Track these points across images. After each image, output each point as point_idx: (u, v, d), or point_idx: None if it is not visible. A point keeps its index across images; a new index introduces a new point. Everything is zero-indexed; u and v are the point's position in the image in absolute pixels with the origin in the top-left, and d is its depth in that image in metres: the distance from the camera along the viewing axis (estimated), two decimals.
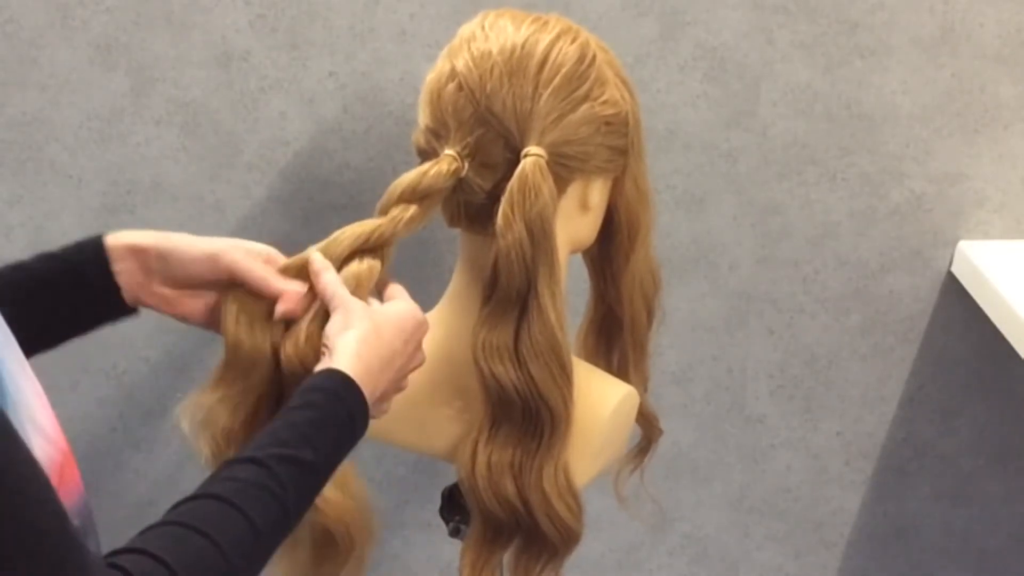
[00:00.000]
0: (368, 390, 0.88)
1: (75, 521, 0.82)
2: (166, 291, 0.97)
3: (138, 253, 0.96)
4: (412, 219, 0.98)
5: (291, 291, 0.95)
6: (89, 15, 1.33)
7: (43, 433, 0.79)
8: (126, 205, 1.42)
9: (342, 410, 0.86)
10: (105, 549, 0.81)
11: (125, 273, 0.96)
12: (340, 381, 0.87)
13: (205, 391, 0.95)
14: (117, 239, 0.96)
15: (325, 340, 0.91)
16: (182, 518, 0.77)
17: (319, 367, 0.89)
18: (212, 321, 0.98)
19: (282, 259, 0.99)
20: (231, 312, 0.95)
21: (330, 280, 0.94)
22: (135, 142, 1.39)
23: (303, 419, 0.84)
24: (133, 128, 1.38)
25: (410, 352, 0.95)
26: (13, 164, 1.40)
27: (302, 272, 0.97)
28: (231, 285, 0.96)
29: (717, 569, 1.61)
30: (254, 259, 0.96)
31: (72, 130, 1.38)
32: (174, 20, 1.33)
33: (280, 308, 0.95)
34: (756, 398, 1.51)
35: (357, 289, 0.95)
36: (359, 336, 0.90)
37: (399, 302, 0.96)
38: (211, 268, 0.96)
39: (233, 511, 0.77)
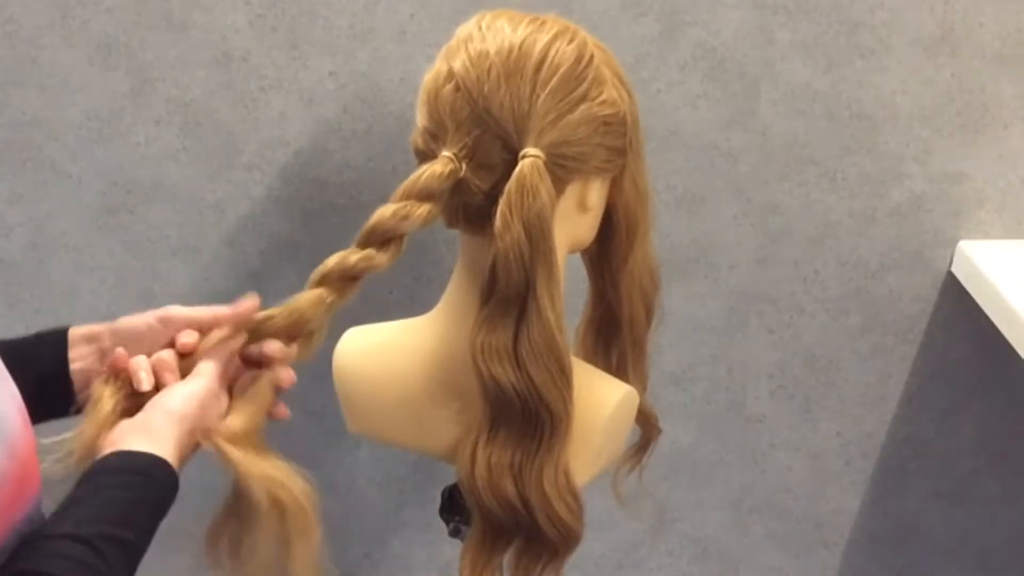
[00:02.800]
0: (175, 461, 0.90)
1: (26, 528, 0.83)
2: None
3: (93, 338, 1.01)
4: (419, 216, 0.98)
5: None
6: (89, 15, 1.33)
7: (8, 445, 0.80)
8: (126, 205, 1.42)
9: (157, 492, 0.88)
10: None
11: (78, 359, 1.00)
12: (156, 465, 0.88)
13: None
14: (75, 330, 1.01)
15: (151, 416, 0.92)
16: None
17: (134, 444, 0.89)
18: None
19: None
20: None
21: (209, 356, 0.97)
22: (135, 142, 1.39)
23: (122, 499, 0.85)
24: (133, 128, 1.38)
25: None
26: (13, 164, 1.40)
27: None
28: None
29: (717, 569, 1.61)
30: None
31: (72, 130, 1.39)
32: (174, 20, 1.33)
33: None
34: (756, 398, 1.51)
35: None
36: (181, 415, 0.92)
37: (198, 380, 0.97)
38: (158, 322, 1.00)
39: None
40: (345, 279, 0.99)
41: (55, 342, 1.01)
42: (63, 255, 1.45)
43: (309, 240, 1.43)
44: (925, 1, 1.31)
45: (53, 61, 1.35)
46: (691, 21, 1.32)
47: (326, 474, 1.56)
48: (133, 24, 1.33)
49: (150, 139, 1.39)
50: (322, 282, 0.99)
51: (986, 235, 1.41)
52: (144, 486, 0.87)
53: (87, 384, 0.99)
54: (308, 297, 0.99)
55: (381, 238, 0.99)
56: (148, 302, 1.46)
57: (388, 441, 1.13)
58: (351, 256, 0.98)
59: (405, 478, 1.56)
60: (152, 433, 0.90)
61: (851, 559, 1.60)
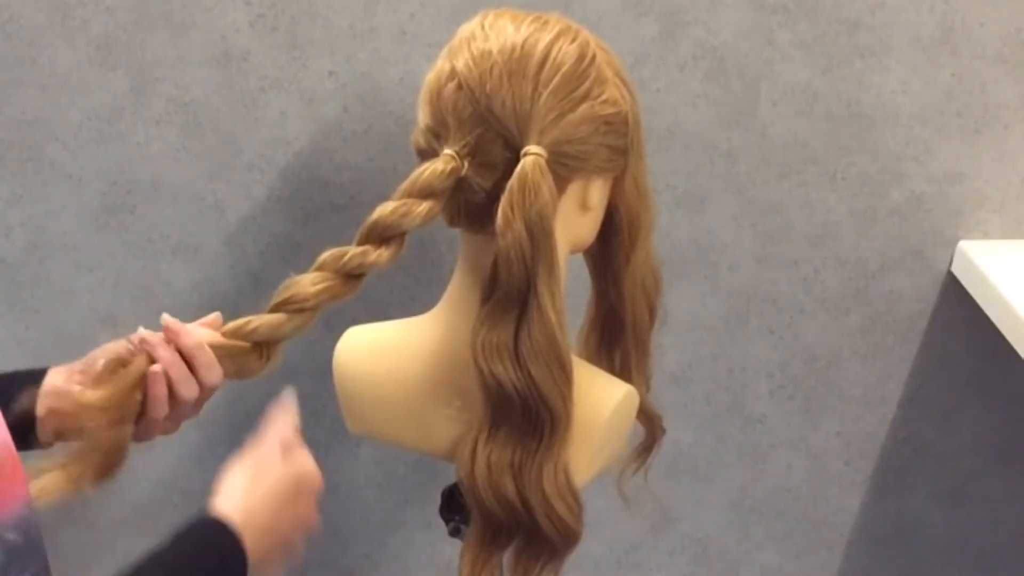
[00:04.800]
0: (251, 542, 0.89)
1: (10, 535, 0.82)
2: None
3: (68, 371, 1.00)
4: (420, 213, 0.98)
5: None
6: (89, 15, 1.33)
7: None
8: (126, 205, 1.42)
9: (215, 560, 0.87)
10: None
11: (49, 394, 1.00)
12: (220, 532, 0.88)
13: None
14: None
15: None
16: None
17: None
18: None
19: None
20: None
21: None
22: (135, 142, 1.39)
23: (177, 564, 0.85)
24: (133, 128, 1.38)
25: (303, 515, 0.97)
26: (13, 164, 1.40)
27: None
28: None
29: (717, 569, 1.61)
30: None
31: (72, 130, 1.38)
32: (174, 20, 1.33)
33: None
34: (756, 398, 1.51)
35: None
36: (251, 484, 0.92)
37: (306, 456, 0.98)
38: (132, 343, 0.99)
39: None
40: (343, 275, 1.00)
41: (30, 381, 1.00)
42: (63, 255, 1.45)
43: (309, 240, 1.43)
44: (925, 1, 1.31)
45: (53, 61, 1.35)
46: (691, 21, 1.32)
47: (326, 474, 1.55)
48: (133, 24, 1.33)
49: (150, 139, 1.39)
50: (322, 268, 1.00)
51: (986, 235, 1.41)
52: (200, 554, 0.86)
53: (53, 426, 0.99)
54: (310, 279, 1.00)
55: (381, 235, 0.99)
56: (148, 302, 1.46)
57: (388, 441, 1.13)
58: (349, 251, 0.99)
59: (405, 478, 1.56)
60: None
61: (851, 559, 1.60)
